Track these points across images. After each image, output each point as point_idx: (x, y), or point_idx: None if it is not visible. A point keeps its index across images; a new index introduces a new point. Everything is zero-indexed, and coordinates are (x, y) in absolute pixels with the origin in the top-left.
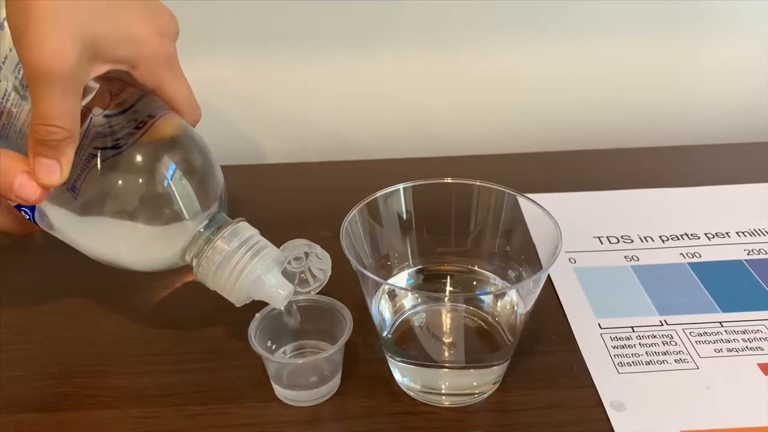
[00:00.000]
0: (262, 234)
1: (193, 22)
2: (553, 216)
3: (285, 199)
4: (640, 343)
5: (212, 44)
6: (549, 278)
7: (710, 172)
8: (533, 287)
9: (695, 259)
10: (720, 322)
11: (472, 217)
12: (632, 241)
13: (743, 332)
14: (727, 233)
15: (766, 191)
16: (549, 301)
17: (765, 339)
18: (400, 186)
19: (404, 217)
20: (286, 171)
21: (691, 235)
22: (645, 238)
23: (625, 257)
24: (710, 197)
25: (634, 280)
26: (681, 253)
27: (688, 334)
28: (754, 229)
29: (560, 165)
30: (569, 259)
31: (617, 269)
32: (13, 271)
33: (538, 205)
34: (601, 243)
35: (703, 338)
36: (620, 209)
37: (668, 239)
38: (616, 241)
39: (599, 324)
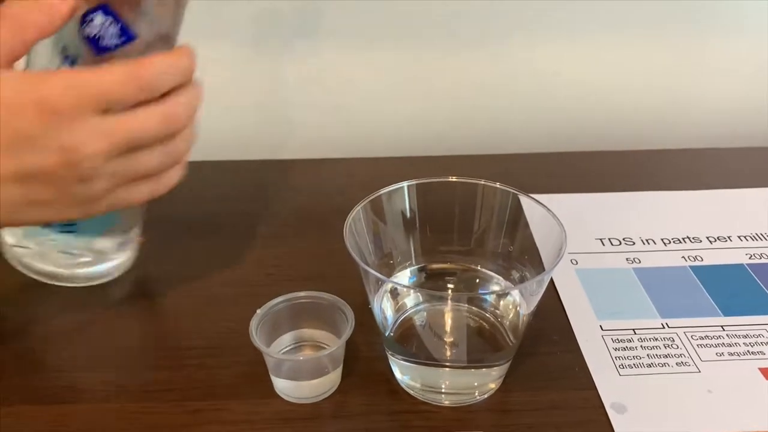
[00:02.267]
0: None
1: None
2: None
3: (288, 195)
4: (641, 346)
5: (216, 42)
6: (551, 279)
7: (713, 176)
8: (536, 288)
9: (697, 263)
10: (722, 326)
11: (476, 216)
12: (634, 244)
13: (744, 336)
14: (729, 237)
15: None
16: (550, 302)
17: (766, 343)
18: (404, 184)
19: (408, 215)
20: (288, 167)
21: (693, 238)
22: (647, 240)
23: (627, 259)
24: (713, 201)
25: (636, 283)
26: (683, 256)
27: (690, 338)
28: (757, 234)
29: (563, 166)
30: (571, 261)
31: (619, 271)
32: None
33: (543, 205)
34: (603, 245)
35: (704, 342)
36: (622, 211)
37: (670, 242)
38: (618, 243)
39: (601, 326)
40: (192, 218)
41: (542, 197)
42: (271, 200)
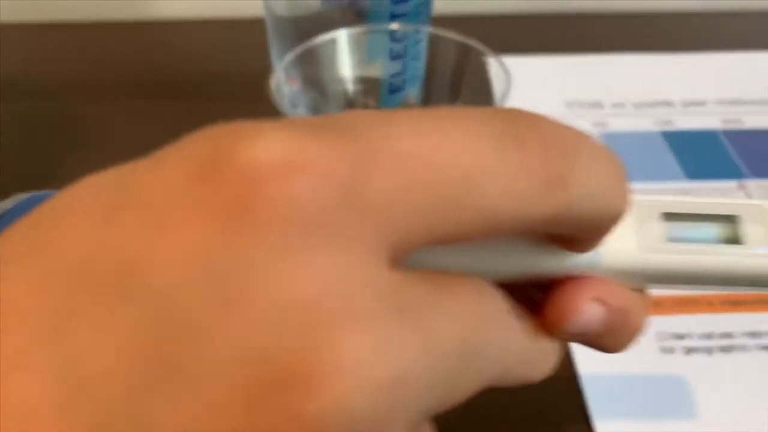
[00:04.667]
0: None
1: None
2: (510, 73)
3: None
4: None
5: None
6: None
7: (692, 40)
8: None
9: (668, 127)
10: (683, 190)
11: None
12: (603, 108)
13: None
14: (704, 102)
15: (750, 60)
16: None
17: None
18: (343, 32)
19: (346, 69)
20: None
21: (667, 102)
22: (617, 104)
23: (594, 123)
24: (691, 64)
25: None
26: (654, 121)
27: None
28: (734, 98)
29: (531, 30)
30: None
31: None
32: None
33: (486, 49)
34: (570, 108)
35: None
36: (595, 74)
37: (642, 106)
38: (587, 106)
39: None
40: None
41: (508, 59)
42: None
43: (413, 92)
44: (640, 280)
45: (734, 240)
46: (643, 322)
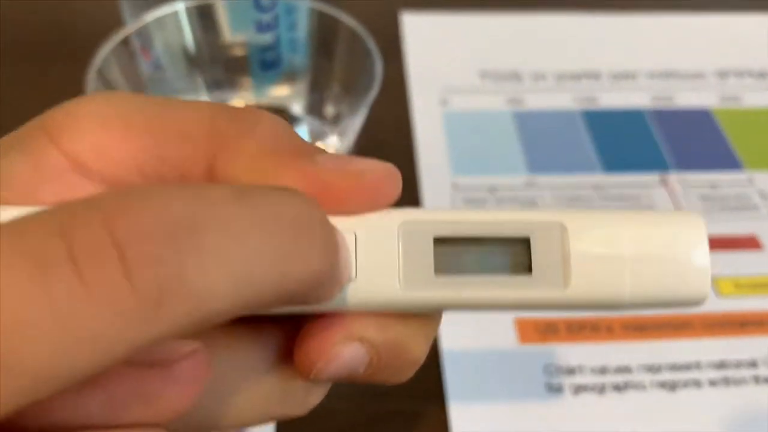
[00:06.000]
0: None
1: None
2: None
3: None
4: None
5: None
6: (409, 125)
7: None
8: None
9: (589, 106)
10: (597, 185)
11: (280, 39)
12: (521, 80)
13: (619, 199)
14: (634, 74)
15: (690, 24)
16: (403, 152)
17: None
18: (180, 5)
19: (191, 49)
20: None
21: (593, 74)
22: (537, 75)
23: (509, 100)
24: (624, 28)
25: (510, 130)
26: (575, 98)
27: (557, 198)
28: (666, 70)
29: None
30: (441, 101)
31: (494, 115)
32: None
33: (357, 24)
34: (484, 80)
35: (571, 203)
36: (515, 37)
37: (564, 78)
38: (503, 78)
39: (454, 183)
40: None
41: (423, 18)
42: None
43: (299, 66)
44: (407, 311)
45: (522, 267)
46: (424, 350)
